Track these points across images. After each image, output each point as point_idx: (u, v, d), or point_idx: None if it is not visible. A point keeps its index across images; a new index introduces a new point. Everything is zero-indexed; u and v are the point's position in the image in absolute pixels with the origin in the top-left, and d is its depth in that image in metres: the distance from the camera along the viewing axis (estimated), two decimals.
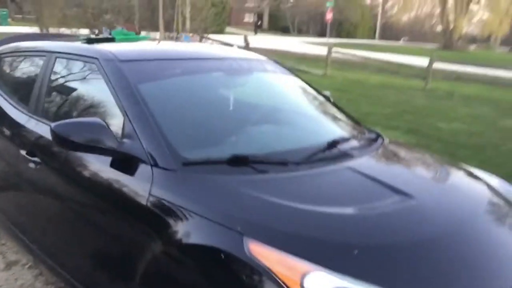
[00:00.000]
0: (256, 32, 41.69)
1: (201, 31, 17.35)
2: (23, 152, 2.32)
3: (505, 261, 1.59)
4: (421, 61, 16.63)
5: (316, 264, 1.33)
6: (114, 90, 2.01)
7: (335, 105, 2.70)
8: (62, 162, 2.11)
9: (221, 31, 31.23)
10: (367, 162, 2.00)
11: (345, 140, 2.18)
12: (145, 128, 1.85)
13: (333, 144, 2.05)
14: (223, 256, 1.45)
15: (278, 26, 55.24)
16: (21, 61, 2.86)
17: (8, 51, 2.96)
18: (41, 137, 2.28)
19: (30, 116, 2.44)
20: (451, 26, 33.99)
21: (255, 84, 2.54)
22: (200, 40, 16.46)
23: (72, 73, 2.38)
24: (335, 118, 2.51)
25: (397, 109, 8.56)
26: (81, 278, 2.11)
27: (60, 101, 2.44)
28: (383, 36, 55.27)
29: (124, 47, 2.41)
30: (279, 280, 1.33)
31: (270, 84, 2.61)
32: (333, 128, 2.40)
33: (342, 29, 52.03)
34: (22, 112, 2.52)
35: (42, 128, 2.31)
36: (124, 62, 2.12)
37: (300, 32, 55.50)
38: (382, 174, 1.90)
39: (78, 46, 2.40)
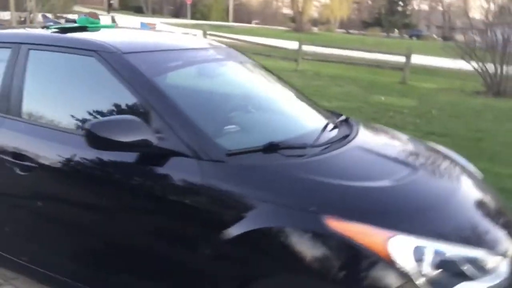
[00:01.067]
0: (108, 12, 39.30)
1: (58, 11, 15.85)
2: (4, 158, 2.08)
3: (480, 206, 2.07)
4: (284, 43, 17.84)
5: (394, 230, 1.58)
6: (130, 85, 1.94)
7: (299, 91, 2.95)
8: (74, 163, 1.97)
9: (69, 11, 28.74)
10: (364, 141, 2.29)
11: (335, 123, 2.44)
12: (180, 123, 1.86)
13: (332, 127, 2.30)
14: (303, 235, 1.61)
15: (130, 5, 52.94)
16: None
17: None
18: (34, 139, 2.07)
19: (2, 117, 2.18)
20: (300, 10, 36.72)
21: (242, 74, 2.64)
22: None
23: (59, 67, 2.18)
24: (312, 104, 2.75)
25: None
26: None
27: (53, 100, 2.20)
28: (235, 19, 56.93)
29: (115, 38, 2.29)
30: (364, 248, 1.55)
31: (252, 73, 2.73)
32: (319, 113, 2.63)
33: (196, 10, 52.14)
34: None
35: (29, 129, 2.10)
36: (129, 54, 2.05)
37: (154, 12, 54.01)
38: (383, 150, 2.22)
39: (63, 37, 2.20)
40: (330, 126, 2.36)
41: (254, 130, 2.24)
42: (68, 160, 2.00)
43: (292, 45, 16.20)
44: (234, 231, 1.69)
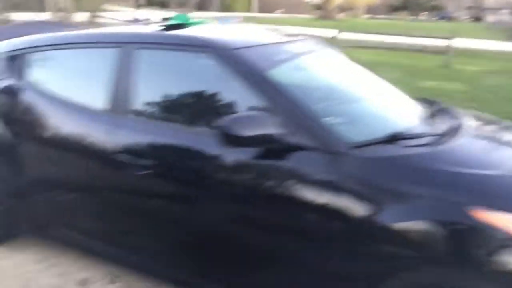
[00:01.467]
0: (138, 8, 39.76)
1: (94, 9, 16.12)
2: (124, 158, 2.11)
3: None
4: (315, 32, 17.61)
5: None
6: (248, 80, 1.94)
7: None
8: (197, 162, 1.99)
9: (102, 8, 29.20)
10: (473, 128, 2.21)
11: (437, 110, 2.38)
12: (302, 116, 1.85)
13: (437, 115, 2.25)
14: (447, 228, 1.58)
15: (155, 0, 53.36)
16: (71, 56, 2.49)
17: (38, 44, 2.56)
18: (154, 137, 2.09)
19: (114, 117, 2.20)
20: None
21: (337, 64, 2.63)
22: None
23: (171, 65, 2.19)
24: (404, 93, 2.69)
25: None
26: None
27: (169, 98, 2.19)
28: (260, 9, 56.63)
29: (223, 34, 2.29)
30: None
31: (345, 64, 2.71)
32: (417, 102, 2.57)
33: (223, 2, 52.18)
34: (94, 113, 2.26)
35: (147, 128, 2.12)
36: (241, 50, 2.05)
37: (180, 5, 54.29)
38: (494, 136, 2.16)
39: (175, 34, 2.21)
40: (435, 114, 2.31)
41: (362, 121, 2.20)
42: (191, 159, 2.01)
43: (322, 32, 15.92)
44: (372, 226, 1.66)
